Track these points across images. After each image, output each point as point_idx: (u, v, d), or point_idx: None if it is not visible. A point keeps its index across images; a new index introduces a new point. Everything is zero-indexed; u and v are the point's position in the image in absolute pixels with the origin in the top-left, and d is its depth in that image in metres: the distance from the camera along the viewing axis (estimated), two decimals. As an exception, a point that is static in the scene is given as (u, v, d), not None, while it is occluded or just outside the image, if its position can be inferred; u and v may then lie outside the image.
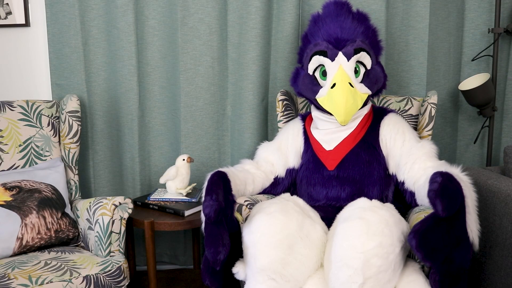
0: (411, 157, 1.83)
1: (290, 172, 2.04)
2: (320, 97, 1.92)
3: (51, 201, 1.98)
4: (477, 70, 2.49)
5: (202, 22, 2.37)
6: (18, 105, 2.16)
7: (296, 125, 2.08)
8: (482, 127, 2.49)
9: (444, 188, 1.42)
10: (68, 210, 2.03)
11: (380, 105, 2.22)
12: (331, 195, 1.89)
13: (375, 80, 1.95)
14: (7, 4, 2.36)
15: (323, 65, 1.93)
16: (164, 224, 2.05)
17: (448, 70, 2.50)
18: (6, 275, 1.69)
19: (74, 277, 1.72)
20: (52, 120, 2.20)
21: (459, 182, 1.48)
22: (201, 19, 2.37)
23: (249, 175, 1.94)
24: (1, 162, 2.09)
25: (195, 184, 2.33)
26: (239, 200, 1.83)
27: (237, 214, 1.78)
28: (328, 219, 1.69)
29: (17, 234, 1.88)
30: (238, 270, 1.65)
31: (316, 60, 1.93)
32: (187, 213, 2.11)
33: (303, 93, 2.01)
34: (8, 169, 2.09)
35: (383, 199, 1.89)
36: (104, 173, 2.47)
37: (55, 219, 1.97)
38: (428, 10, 2.35)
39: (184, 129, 2.44)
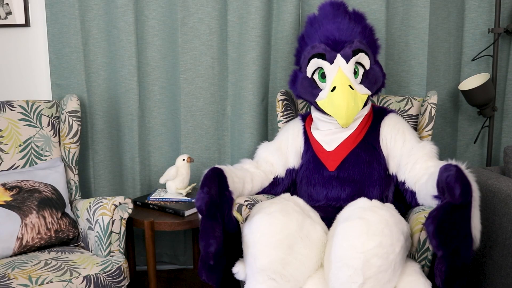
0: (412, 157, 1.83)
1: (290, 172, 2.04)
2: (321, 100, 1.92)
3: (51, 201, 1.98)
4: (477, 70, 2.49)
5: (202, 22, 2.37)
6: (18, 105, 2.16)
7: (296, 125, 2.07)
8: (482, 127, 2.49)
9: (461, 174, 1.44)
10: (68, 210, 2.03)
11: (380, 105, 2.22)
12: (331, 196, 1.89)
13: (374, 80, 1.95)
14: (7, 4, 2.36)
15: (322, 68, 1.92)
16: (164, 224, 2.05)
17: (448, 70, 2.50)
18: (6, 275, 1.69)
19: (74, 277, 1.72)
20: (52, 120, 2.20)
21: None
22: (201, 19, 2.37)
23: (248, 174, 1.94)
24: (1, 162, 2.09)
25: (195, 184, 2.33)
26: (239, 200, 1.83)
27: (237, 214, 1.78)
28: (328, 219, 1.69)
29: (17, 234, 1.88)
30: (238, 270, 1.65)
31: (315, 63, 1.92)
32: (187, 213, 2.11)
33: (302, 96, 2.01)
34: (8, 169, 2.09)
35: (383, 199, 1.89)
36: (104, 173, 2.47)
37: (55, 219, 1.97)
38: (428, 10, 2.35)
39: (184, 129, 2.44)
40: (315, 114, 2.01)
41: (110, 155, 2.48)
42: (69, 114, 2.16)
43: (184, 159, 2.23)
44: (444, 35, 2.46)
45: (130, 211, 1.96)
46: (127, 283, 1.85)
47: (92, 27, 2.37)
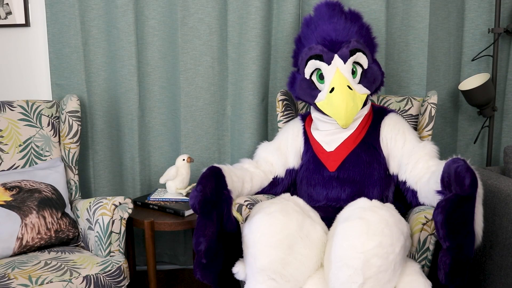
0: (413, 157, 1.83)
1: (289, 172, 2.04)
2: (320, 102, 1.92)
3: (51, 201, 1.98)
4: (477, 70, 2.49)
5: (202, 22, 2.37)
6: (18, 105, 2.16)
7: (296, 125, 2.07)
8: (482, 127, 2.49)
9: (469, 166, 1.45)
10: (68, 210, 2.03)
11: (380, 104, 2.22)
12: (331, 196, 1.89)
13: (373, 79, 1.95)
14: (7, 4, 2.36)
15: (320, 69, 1.92)
16: (164, 224, 2.05)
17: (448, 70, 2.50)
18: (6, 275, 1.69)
19: (74, 277, 1.72)
20: (52, 120, 2.20)
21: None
22: (201, 19, 2.37)
23: (247, 173, 1.94)
24: (1, 162, 2.09)
25: (195, 184, 2.32)
26: (239, 200, 1.83)
27: (237, 214, 1.78)
28: (328, 219, 1.69)
29: (17, 234, 1.88)
30: (238, 270, 1.65)
31: (312, 64, 1.92)
32: (187, 213, 2.11)
33: (301, 97, 2.01)
34: (8, 169, 2.09)
35: (383, 199, 1.89)
36: (104, 173, 2.47)
37: (55, 219, 1.97)
38: (428, 10, 2.35)
39: (184, 129, 2.44)
40: (314, 114, 2.01)
41: (110, 155, 2.48)
42: (69, 114, 2.16)
43: (184, 159, 2.23)
44: (444, 35, 2.46)
45: (130, 211, 1.96)
46: (127, 283, 1.85)
47: (92, 27, 2.37)
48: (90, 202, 2.00)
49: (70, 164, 2.19)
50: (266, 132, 2.50)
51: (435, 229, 1.46)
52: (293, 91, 2.04)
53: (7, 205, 1.90)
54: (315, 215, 1.69)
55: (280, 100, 2.20)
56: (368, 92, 1.93)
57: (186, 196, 2.25)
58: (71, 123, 2.16)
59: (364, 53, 1.91)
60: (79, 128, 2.17)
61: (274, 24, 2.40)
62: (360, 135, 1.94)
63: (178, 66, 2.40)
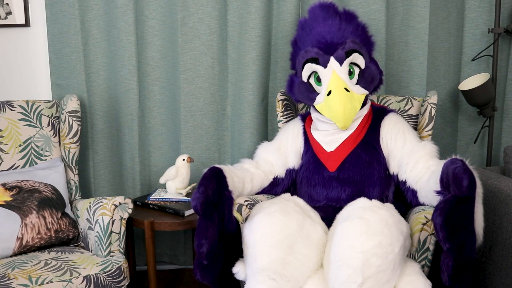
0: (413, 157, 1.83)
1: (289, 172, 2.04)
2: (318, 104, 1.92)
3: (51, 201, 1.98)
4: (477, 70, 2.49)
5: (202, 22, 2.37)
6: (18, 105, 2.16)
7: (296, 125, 2.07)
8: (482, 127, 2.49)
9: (467, 167, 1.45)
10: (68, 210, 2.03)
11: (380, 104, 2.22)
12: (331, 196, 1.89)
13: (371, 79, 1.94)
14: (7, 4, 2.36)
15: (317, 72, 1.92)
16: (164, 224, 2.05)
17: (448, 70, 2.50)
18: (6, 275, 1.69)
19: (74, 277, 1.72)
20: (52, 120, 2.20)
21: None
22: (201, 19, 2.37)
23: (247, 174, 1.94)
24: (1, 162, 2.09)
25: (195, 184, 2.33)
26: (239, 200, 1.83)
27: (237, 214, 1.78)
28: (329, 219, 1.69)
29: (17, 234, 1.88)
30: (238, 270, 1.65)
31: (309, 67, 1.92)
32: (187, 213, 2.11)
33: (300, 100, 2.01)
34: (8, 169, 2.09)
35: (383, 199, 1.89)
36: (104, 173, 2.47)
37: (55, 219, 1.97)
38: (428, 10, 2.35)
39: (184, 129, 2.44)
40: (314, 115, 2.00)
41: (110, 155, 2.48)
42: (69, 114, 2.16)
43: (184, 159, 2.23)
44: (444, 35, 2.46)
45: (130, 211, 1.96)
46: (127, 283, 1.85)
47: (92, 27, 2.37)
48: (90, 202, 2.01)
49: (70, 164, 2.19)
50: (266, 132, 2.50)
51: (435, 231, 1.46)
52: (292, 94, 2.04)
53: (7, 205, 1.90)
54: (315, 215, 1.69)
55: (280, 100, 2.20)
56: (366, 92, 1.93)
57: (186, 196, 2.25)
58: (71, 123, 2.16)
59: (360, 53, 1.90)
60: (79, 128, 2.17)
61: (274, 24, 2.40)
62: (360, 135, 1.94)
63: (178, 66, 2.40)
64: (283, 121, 2.21)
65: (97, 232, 1.92)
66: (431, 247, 1.61)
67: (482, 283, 2.02)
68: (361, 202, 1.56)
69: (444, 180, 1.54)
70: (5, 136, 2.11)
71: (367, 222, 1.43)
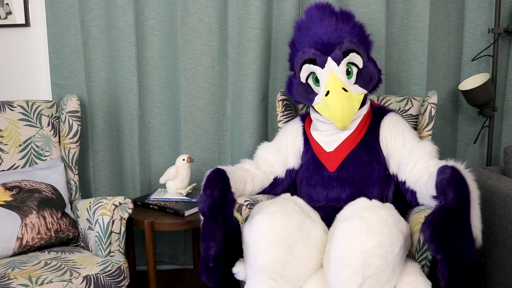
0: (413, 157, 1.83)
1: (289, 172, 2.04)
2: (317, 105, 1.92)
3: (51, 201, 1.98)
4: (477, 70, 2.49)
5: (202, 22, 2.37)
6: (18, 105, 2.16)
7: (296, 125, 2.07)
8: (482, 127, 2.49)
9: (455, 177, 1.45)
10: (68, 210, 2.03)
11: (380, 104, 2.21)
12: (331, 196, 1.89)
13: (369, 78, 1.94)
14: (7, 4, 2.36)
15: (315, 72, 1.92)
16: (164, 224, 2.05)
17: (448, 70, 2.50)
18: (6, 275, 1.69)
19: (74, 277, 1.72)
20: (52, 120, 2.20)
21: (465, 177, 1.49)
22: (201, 19, 2.37)
23: (248, 174, 1.94)
24: (1, 162, 2.09)
25: (195, 184, 2.33)
26: (239, 200, 1.83)
27: (237, 214, 1.78)
28: (328, 219, 1.69)
29: (17, 234, 1.88)
30: (238, 270, 1.65)
31: (307, 68, 1.92)
32: (187, 213, 2.11)
33: (299, 101, 2.01)
34: (8, 169, 2.09)
35: (383, 199, 1.89)
36: (104, 173, 2.47)
37: (55, 219, 1.97)
38: (428, 10, 2.35)
39: (184, 129, 2.44)
40: (314, 115, 2.00)
41: (110, 155, 2.48)
42: (69, 114, 2.16)
43: (184, 159, 2.23)
44: (444, 35, 2.46)
45: (130, 211, 1.96)
46: (127, 283, 1.85)
47: (92, 27, 2.37)
48: (90, 202, 2.01)
49: (70, 164, 2.19)
50: (266, 132, 2.50)
51: (426, 243, 1.46)
52: (291, 96, 2.04)
53: (7, 205, 1.90)
54: (315, 215, 1.69)
55: (280, 100, 2.20)
56: (365, 91, 1.93)
57: (186, 196, 2.25)
58: (71, 123, 2.16)
59: (358, 53, 1.90)
60: (79, 128, 2.17)
61: (274, 24, 2.40)
62: (359, 135, 1.94)
63: (178, 66, 2.40)
64: (283, 121, 2.21)
65: (97, 232, 1.92)
66: (430, 252, 1.61)
67: (482, 283, 2.02)
68: (361, 202, 1.56)
69: (439, 185, 1.54)
70: (5, 136, 2.11)
71: (367, 222, 1.43)
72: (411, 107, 2.17)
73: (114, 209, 1.91)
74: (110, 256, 1.90)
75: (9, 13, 2.37)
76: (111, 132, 2.47)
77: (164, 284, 2.41)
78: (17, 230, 1.88)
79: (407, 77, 2.45)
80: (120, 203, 1.93)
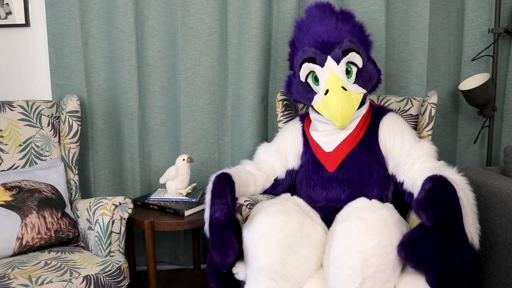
0: (411, 158, 1.83)
1: (289, 173, 2.04)
2: (316, 104, 1.92)
3: (51, 201, 1.98)
4: (477, 70, 2.49)
5: (202, 22, 2.37)
6: (18, 105, 2.16)
7: (295, 126, 2.07)
8: (482, 127, 2.49)
9: (430, 197, 1.43)
10: (68, 210, 2.03)
11: (380, 104, 2.21)
12: (331, 197, 1.89)
13: (369, 78, 1.94)
14: (7, 4, 2.36)
15: (314, 71, 1.92)
16: (164, 224, 2.05)
17: (448, 70, 2.50)
18: (6, 275, 1.69)
19: (74, 277, 1.72)
20: (52, 120, 2.20)
21: (453, 185, 1.48)
22: (201, 19, 2.37)
23: (250, 176, 1.94)
24: (1, 162, 2.09)
25: (195, 184, 2.33)
26: (239, 200, 1.83)
27: (237, 214, 1.78)
28: (328, 219, 1.69)
29: (17, 234, 1.88)
30: (238, 270, 1.65)
31: (306, 67, 1.92)
32: (187, 213, 2.11)
33: (299, 100, 2.01)
34: (8, 169, 2.09)
35: (383, 199, 1.89)
36: (104, 173, 2.47)
37: (55, 219, 1.97)
38: (428, 10, 2.35)
39: (184, 129, 2.44)
40: (313, 115, 2.00)
41: (110, 155, 2.48)
42: (69, 114, 2.16)
43: (184, 159, 2.23)
44: (444, 35, 2.46)
45: (130, 211, 1.96)
46: (127, 283, 1.85)
47: (92, 27, 2.37)
48: (90, 202, 2.01)
49: (70, 164, 2.19)
50: (266, 132, 2.50)
51: None
52: (290, 95, 2.04)
53: (7, 205, 1.90)
54: (315, 215, 1.69)
55: (280, 100, 2.20)
56: (364, 91, 1.93)
57: (186, 196, 2.25)
58: (71, 123, 2.16)
59: (357, 52, 1.90)
60: (79, 128, 2.17)
61: (274, 24, 2.40)
62: (358, 135, 1.94)
63: (178, 66, 2.40)
64: (283, 121, 2.21)
65: (97, 232, 1.92)
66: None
67: (482, 283, 2.02)
68: (361, 202, 1.56)
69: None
70: (5, 136, 2.11)
71: (367, 222, 1.43)
72: (411, 107, 2.17)
73: (114, 209, 1.91)
74: (110, 256, 1.90)
75: (9, 13, 2.37)
76: (111, 132, 2.47)
77: (164, 284, 2.41)
78: (17, 230, 1.88)
79: (407, 77, 2.45)
80: (120, 203, 1.93)
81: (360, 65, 1.92)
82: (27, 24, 2.39)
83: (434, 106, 2.02)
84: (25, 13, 2.37)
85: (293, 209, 1.60)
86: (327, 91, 1.85)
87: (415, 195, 1.76)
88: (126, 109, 2.44)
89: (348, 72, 1.90)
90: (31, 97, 2.48)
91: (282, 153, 2.04)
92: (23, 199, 1.93)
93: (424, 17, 2.36)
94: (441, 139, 2.56)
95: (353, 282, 1.40)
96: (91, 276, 1.75)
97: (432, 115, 2.02)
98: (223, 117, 2.49)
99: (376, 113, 1.99)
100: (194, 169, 2.50)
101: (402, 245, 1.42)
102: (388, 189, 1.91)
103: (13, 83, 2.45)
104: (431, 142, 1.89)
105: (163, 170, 2.54)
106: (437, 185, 1.46)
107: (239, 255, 1.71)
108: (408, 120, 2.16)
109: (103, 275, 1.78)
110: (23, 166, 2.12)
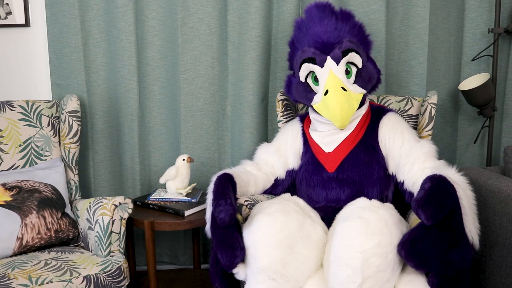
0: (411, 158, 1.83)
1: (289, 173, 2.04)
2: (316, 104, 1.92)
3: (51, 201, 1.98)
4: (477, 70, 2.50)
5: (202, 22, 2.37)
6: (18, 105, 2.16)
7: (295, 126, 2.07)
8: (482, 127, 2.49)
9: (429, 196, 1.43)
10: (68, 210, 2.03)
11: (380, 104, 2.21)
12: (330, 197, 1.89)
13: (368, 78, 1.94)
14: (7, 4, 2.36)
15: (314, 71, 1.92)
16: (164, 224, 2.05)
17: (448, 70, 2.50)
18: (6, 275, 1.69)
19: (74, 277, 1.72)
20: (52, 120, 2.20)
21: (453, 184, 1.48)
22: (201, 19, 2.37)
23: (251, 177, 1.94)
24: (1, 162, 2.09)
25: (195, 184, 2.33)
26: (239, 200, 1.83)
27: (237, 214, 1.78)
28: (328, 219, 1.69)
29: (17, 234, 1.88)
30: (238, 270, 1.65)
31: (306, 67, 1.91)
32: (187, 213, 2.11)
33: (298, 100, 2.01)
34: (8, 169, 2.09)
35: (383, 199, 1.89)
36: (104, 173, 2.47)
37: (55, 219, 1.97)
38: (428, 10, 2.35)
39: (184, 129, 2.44)
40: (312, 115, 2.00)
41: (110, 155, 2.48)
42: (69, 114, 2.16)
43: (184, 159, 2.23)
44: (444, 35, 2.46)
45: (130, 211, 1.96)
46: (127, 283, 1.85)
47: (92, 27, 2.37)
48: (90, 202, 2.01)
49: (70, 164, 2.19)
50: (266, 132, 2.50)
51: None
52: (290, 95, 2.04)
53: (7, 205, 1.90)
54: (315, 215, 1.69)
55: (280, 100, 2.20)
56: (364, 91, 1.93)
57: (186, 196, 2.25)
58: (71, 123, 2.16)
59: (357, 53, 1.90)
60: (79, 128, 2.17)
61: (274, 24, 2.40)
62: (358, 135, 1.94)
63: (178, 66, 2.40)
64: (283, 121, 2.21)
65: (97, 232, 1.92)
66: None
67: (482, 283, 2.02)
68: (361, 202, 1.56)
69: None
70: (5, 136, 2.11)
71: (367, 222, 1.43)
72: (411, 107, 2.17)
73: (114, 209, 1.91)
74: (110, 256, 1.90)
75: (9, 13, 2.37)
76: (111, 132, 2.47)
77: (164, 284, 2.41)
78: (17, 230, 1.88)
79: (407, 77, 2.45)
80: (120, 203, 1.93)
81: (360, 65, 1.91)
82: (27, 24, 2.39)
83: (434, 106, 2.02)
84: (25, 13, 2.37)
85: (293, 209, 1.60)
86: (326, 92, 1.85)
87: (415, 195, 1.76)
88: (126, 109, 2.44)
89: (347, 72, 1.90)
90: (31, 97, 2.48)
91: (282, 153, 2.04)
92: (23, 199, 1.93)
93: (424, 17, 2.36)
94: (441, 139, 2.56)
95: (353, 282, 1.40)
96: (91, 276, 1.75)
97: (432, 115, 2.02)
98: (223, 117, 2.49)
99: (376, 113, 1.99)
100: (194, 169, 2.50)
101: (402, 245, 1.42)
102: (388, 189, 1.91)
103: (13, 83, 2.45)
104: (431, 142, 1.89)
105: (163, 170, 2.54)
106: (436, 185, 1.46)
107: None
108: (408, 120, 2.16)
109: (103, 275, 1.78)
110: (23, 166, 2.12)
